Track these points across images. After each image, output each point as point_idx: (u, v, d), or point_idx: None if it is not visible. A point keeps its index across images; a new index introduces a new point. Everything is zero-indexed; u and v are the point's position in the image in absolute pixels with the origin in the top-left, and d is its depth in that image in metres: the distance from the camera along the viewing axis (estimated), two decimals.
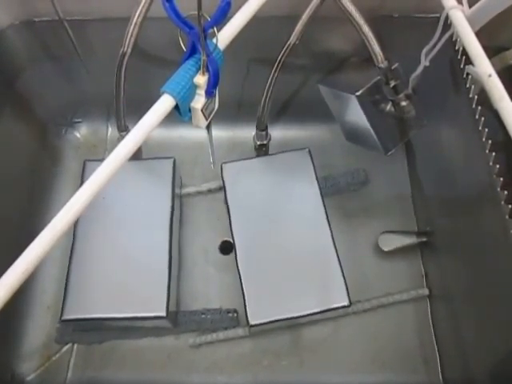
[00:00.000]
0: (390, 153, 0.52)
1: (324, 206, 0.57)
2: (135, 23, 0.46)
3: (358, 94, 0.50)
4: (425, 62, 0.48)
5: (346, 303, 0.51)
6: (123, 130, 0.57)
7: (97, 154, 0.64)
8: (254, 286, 0.52)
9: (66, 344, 0.54)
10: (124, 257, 0.54)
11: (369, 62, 0.50)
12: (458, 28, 0.40)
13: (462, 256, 0.51)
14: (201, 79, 0.35)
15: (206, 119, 0.38)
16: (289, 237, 0.55)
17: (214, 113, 0.39)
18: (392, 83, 0.48)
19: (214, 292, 0.57)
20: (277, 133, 0.63)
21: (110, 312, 0.50)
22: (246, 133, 0.64)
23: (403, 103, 0.49)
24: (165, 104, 0.34)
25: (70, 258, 0.53)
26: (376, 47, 0.47)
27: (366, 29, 0.47)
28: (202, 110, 0.36)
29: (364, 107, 0.51)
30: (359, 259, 0.59)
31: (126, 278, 0.52)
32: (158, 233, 0.55)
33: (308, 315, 0.51)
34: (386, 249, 0.58)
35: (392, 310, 0.56)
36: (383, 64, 0.47)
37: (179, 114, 0.36)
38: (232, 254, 0.59)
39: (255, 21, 0.54)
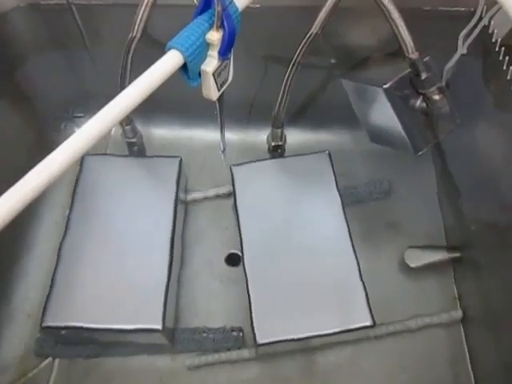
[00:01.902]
0: (420, 153, 0.47)
1: (345, 215, 0.52)
2: (146, 5, 0.43)
3: (385, 86, 0.46)
4: (462, 49, 0.43)
5: (368, 323, 0.45)
6: (127, 123, 0.52)
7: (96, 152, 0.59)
8: (264, 301, 0.47)
9: (47, 358, 0.48)
10: (118, 262, 0.48)
11: (395, 57, 0.47)
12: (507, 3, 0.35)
13: (502, 273, 0.45)
14: (214, 35, 0.30)
15: (218, 89, 0.33)
16: (305, 248, 0.50)
17: (227, 84, 0.34)
18: (423, 75, 0.44)
19: (218, 308, 0.52)
20: (293, 137, 0.59)
21: (99, 322, 0.45)
22: (260, 135, 0.60)
23: (436, 97, 0.45)
24: (171, 61, 0.29)
25: (58, 259, 0.48)
26: (406, 36, 0.43)
27: (395, 15, 0.43)
28: (213, 75, 0.31)
29: (392, 101, 0.46)
30: (382, 276, 0.53)
31: (119, 286, 0.47)
32: (158, 238, 0.50)
33: (324, 336, 0.45)
34: (413, 265, 0.52)
35: (420, 335, 0.50)
36: (414, 54, 0.43)
37: (187, 77, 0.31)
38: (239, 266, 0.54)
39: (273, 12, 0.51)
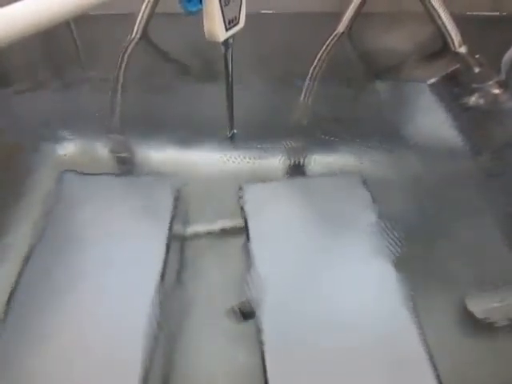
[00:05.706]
0: (481, 157, 0.39)
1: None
2: (147, 5, 0.42)
3: (429, 82, 0.39)
4: None
5: None
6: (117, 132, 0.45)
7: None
8: (284, 366, 0.36)
9: None
10: (84, 312, 0.38)
11: (435, 58, 0.44)
12: None
13: None
14: None
15: (226, 28, 0.24)
16: (339, 297, 0.40)
17: (237, 28, 0.27)
18: (476, 69, 0.40)
19: (222, 374, 0.41)
20: (316, 157, 0.51)
21: None
22: (275, 160, 0.52)
23: (496, 91, 0.39)
24: None
25: (7, 312, 0.38)
26: (452, 28, 0.40)
27: (439, 6, 0.39)
28: (220, 1, 0.23)
29: (440, 99, 0.39)
30: (442, 333, 0.41)
31: (83, 347, 0.36)
32: (142, 280, 0.40)
33: None
34: (480, 315, 0.40)
35: None
36: (462, 48, 0.41)
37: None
38: (251, 322, 0.43)
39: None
